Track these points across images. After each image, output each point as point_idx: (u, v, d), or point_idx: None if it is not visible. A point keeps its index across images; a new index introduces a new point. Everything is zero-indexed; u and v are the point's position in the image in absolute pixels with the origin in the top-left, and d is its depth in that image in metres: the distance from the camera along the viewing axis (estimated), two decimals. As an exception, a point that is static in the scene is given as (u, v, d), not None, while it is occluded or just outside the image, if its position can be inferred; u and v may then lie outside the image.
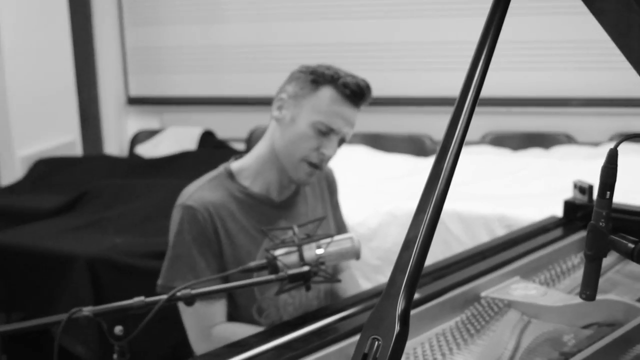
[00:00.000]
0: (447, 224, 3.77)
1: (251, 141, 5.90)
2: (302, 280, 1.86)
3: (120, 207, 4.20)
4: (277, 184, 2.33)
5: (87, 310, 1.71)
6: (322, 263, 1.92)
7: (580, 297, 1.39)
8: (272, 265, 1.88)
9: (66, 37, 5.60)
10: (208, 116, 6.22)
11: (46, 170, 5.04)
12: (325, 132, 2.22)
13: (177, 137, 5.87)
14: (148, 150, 5.84)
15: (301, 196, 2.42)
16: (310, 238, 1.95)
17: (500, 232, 3.65)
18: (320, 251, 1.92)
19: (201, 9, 6.09)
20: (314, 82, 2.24)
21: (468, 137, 4.54)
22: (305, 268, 1.85)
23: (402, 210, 3.86)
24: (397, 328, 1.08)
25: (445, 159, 1.18)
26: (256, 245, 2.28)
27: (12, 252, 3.85)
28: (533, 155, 4.83)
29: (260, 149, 2.35)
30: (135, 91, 6.41)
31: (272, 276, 1.85)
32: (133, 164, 5.24)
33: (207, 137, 5.89)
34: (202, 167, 4.88)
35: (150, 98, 6.39)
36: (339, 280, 2.02)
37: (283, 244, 1.93)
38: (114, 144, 6.31)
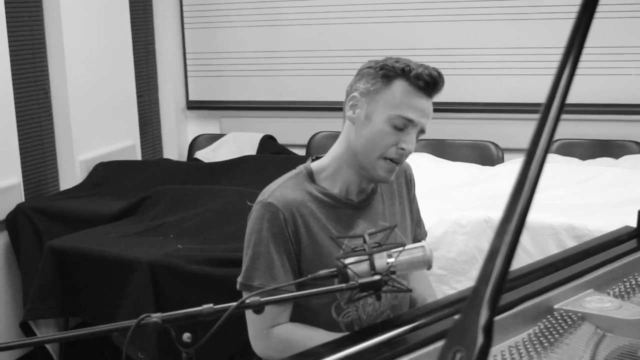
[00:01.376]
0: (514, 233, 3.69)
1: (311, 147, 5.87)
2: (373, 289, 1.81)
3: (181, 213, 4.19)
4: (356, 185, 2.30)
5: (155, 317, 1.68)
6: (393, 272, 1.88)
7: None
8: (342, 274, 1.84)
9: (127, 41, 5.63)
10: (267, 121, 6.21)
11: (106, 174, 5.05)
12: (402, 126, 2.18)
13: (236, 142, 5.86)
14: (207, 155, 5.83)
15: (378, 195, 2.38)
16: (381, 246, 1.91)
17: (569, 242, 3.57)
18: (391, 260, 1.87)
19: (261, 12, 6.08)
20: (385, 77, 2.20)
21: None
22: (377, 277, 1.81)
23: (468, 219, 3.79)
24: (480, 340, 1.04)
25: (531, 167, 1.14)
26: (336, 245, 2.24)
27: (74, 257, 3.87)
28: (602, 164, 4.73)
29: (336, 150, 2.32)
30: (195, 96, 6.42)
31: (343, 285, 1.81)
32: (193, 168, 5.23)
33: (267, 143, 5.86)
34: (263, 172, 4.91)
35: (210, 103, 6.40)
36: (410, 290, 1.97)
37: (354, 252, 1.89)
38: (173, 149, 6.33)
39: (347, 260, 1.86)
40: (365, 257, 1.86)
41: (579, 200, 3.99)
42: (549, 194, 4.20)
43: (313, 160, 2.37)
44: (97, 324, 3.48)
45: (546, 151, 1.14)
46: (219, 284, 3.43)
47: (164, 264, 3.56)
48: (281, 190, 2.25)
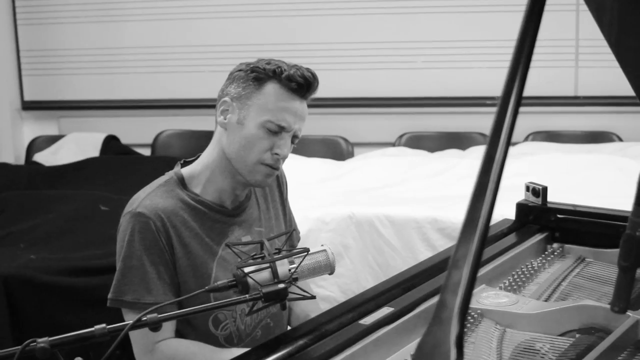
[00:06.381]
0: (378, 228, 3.69)
1: (156, 146, 5.73)
2: (278, 298, 1.72)
3: (30, 220, 3.98)
4: (230, 191, 2.22)
5: (42, 342, 1.54)
6: (296, 279, 1.79)
7: (612, 310, 1.32)
8: (242, 283, 1.74)
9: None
10: (109, 121, 6.01)
11: (-62, 182, 4.73)
12: (275, 131, 2.11)
13: (77, 144, 5.63)
14: (47, 157, 5.58)
15: (253, 200, 2.32)
16: (282, 252, 1.82)
17: (433, 235, 3.60)
18: (293, 266, 1.79)
19: (99, 8, 5.88)
20: (257, 80, 2.13)
21: (384, 139, 4.47)
22: (281, 285, 1.72)
23: (332, 216, 3.77)
24: (453, 355, 1.01)
25: (491, 170, 1.07)
26: (211, 254, 2.17)
27: None
28: (451, 156, 4.82)
29: (209, 156, 2.22)
30: (31, 95, 6.13)
31: (246, 295, 1.71)
32: (35, 172, 5.00)
33: (110, 143, 5.66)
34: (110, 174, 4.74)
35: (47, 102, 6.13)
36: (314, 297, 1.89)
37: (253, 259, 1.79)
38: (9, 152, 6.03)
39: (248, 269, 1.76)
40: (267, 264, 1.78)
41: (438, 193, 4.04)
42: (407, 186, 4.23)
43: (182, 166, 2.27)
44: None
45: (505, 153, 1.08)
46: (81, 294, 3.32)
47: (18, 277, 3.35)
48: (151, 198, 2.14)
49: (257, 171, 2.15)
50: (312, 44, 5.56)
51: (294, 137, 2.18)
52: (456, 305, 1.02)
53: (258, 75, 2.12)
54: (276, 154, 2.13)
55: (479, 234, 1.05)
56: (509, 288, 2.21)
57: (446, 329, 1.01)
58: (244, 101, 2.13)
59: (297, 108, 2.15)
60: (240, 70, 2.17)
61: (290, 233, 2.04)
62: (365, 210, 3.78)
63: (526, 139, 5.28)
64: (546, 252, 2.48)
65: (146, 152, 5.74)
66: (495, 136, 1.09)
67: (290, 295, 1.77)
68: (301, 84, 2.12)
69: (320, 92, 5.64)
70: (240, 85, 2.14)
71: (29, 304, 3.36)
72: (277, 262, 1.78)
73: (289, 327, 2.37)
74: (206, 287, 1.77)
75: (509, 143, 1.09)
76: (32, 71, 6.08)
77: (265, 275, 1.77)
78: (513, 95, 1.10)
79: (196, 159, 2.27)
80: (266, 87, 2.12)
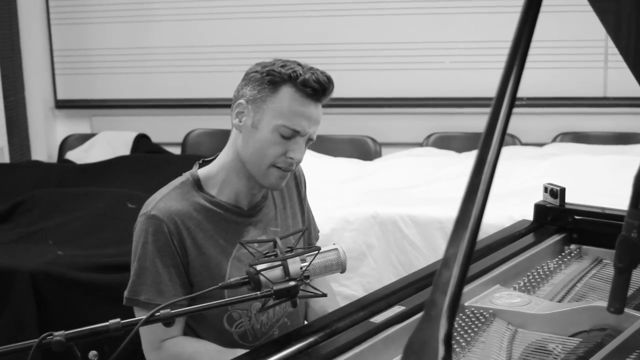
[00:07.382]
0: (402, 228, 3.70)
1: (187, 145, 5.77)
2: (289, 295, 1.75)
3: (59, 217, 4.02)
4: (247, 192, 2.22)
5: (59, 335, 1.57)
6: (307, 277, 1.82)
7: (608, 310, 1.34)
8: (254, 281, 1.77)
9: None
10: (140, 120, 6.07)
11: (-27, 179, 4.80)
12: (289, 136, 2.11)
13: (109, 142, 5.70)
14: (79, 155, 5.65)
15: (269, 200, 2.32)
16: (294, 250, 1.85)
17: (456, 236, 3.59)
18: (304, 264, 1.82)
19: (130, 8, 5.94)
20: (272, 83, 2.11)
21: (411, 139, 4.48)
22: (292, 283, 1.75)
23: (356, 216, 3.78)
24: (441, 353, 1.01)
25: (483, 171, 1.10)
26: (226, 255, 2.18)
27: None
28: (478, 157, 4.80)
29: (225, 157, 2.23)
30: (64, 94, 6.20)
31: (257, 292, 1.74)
32: (66, 170, 5.05)
33: (141, 142, 5.71)
34: (140, 173, 4.78)
35: (80, 101, 6.20)
36: (325, 295, 1.91)
37: (265, 257, 1.82)
38: (42, 150, 6.11)
39: (260, 267, 1.79)
40: (278, 262, 1.80)
41: (462, 193, 4.03)
42: (432, 187, 4.24)
43: (201, 165, 2.28)
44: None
45: (498, 154, 1.10)
46: (107, 291, 3.33)
47: (46, 273, 3.39)
48: (165, 201, 2.15)
49: (271, 174, 2.14)
50: (341, 44, 5.58)
51: (309, 140, 2.17)
52: (445, 304, 1.03)
53: (273, 78, 2.10)
54: (290, 158, 2.12)
55: (469, 235, 1.06)
56: (524, 289, 2.21)
57: (435, 327, 1.02)
58: (258, 104, 2.12)
59: (312, 112, 2.13)
60: (255, 71, 2.15)
61: (304, 232, 2.05)
62: (389, 210, 3.79)
63: (554, 140, 5.26)
64: (563, 253, 2.48)
65: (176, 150, 5.78)
66: (487, 138, 1.10)
67: (302, 293, 1.80)
68: (316, 89, 2.10)
69: (349, 92, 5.70)
70: (256, 88, 2.13)
71: (56, 300, 3.40)
72: (289, 260, 1.80)
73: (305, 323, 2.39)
74: (219, 284, 1.80)
75: (501, 145, 1.10)
76: (65, 70, 6.15)
77: (277, 273, 1.79)
78: (506, 97, 1.11)
79: (215, 158, 2.28)
80: (281, 91, 2.10)
